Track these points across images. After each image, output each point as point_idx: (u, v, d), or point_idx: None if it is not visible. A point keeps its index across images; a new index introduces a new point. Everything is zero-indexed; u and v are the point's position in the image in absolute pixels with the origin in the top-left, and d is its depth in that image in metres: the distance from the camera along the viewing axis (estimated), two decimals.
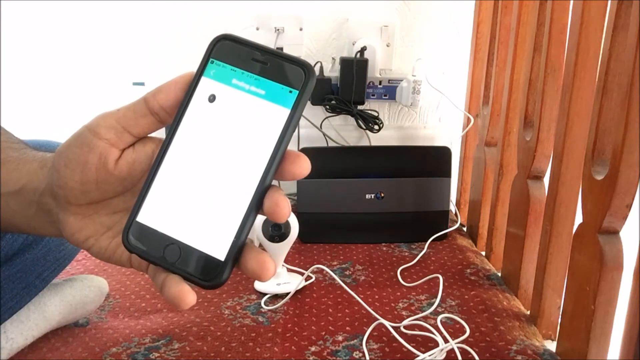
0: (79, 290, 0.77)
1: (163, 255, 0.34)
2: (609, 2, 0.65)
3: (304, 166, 0.34)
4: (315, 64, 1.22)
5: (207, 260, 0.33)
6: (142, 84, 1.24)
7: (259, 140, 0.33)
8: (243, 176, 0.33)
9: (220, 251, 0.33)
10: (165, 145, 0.35)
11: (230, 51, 0.34)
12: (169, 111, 0.35)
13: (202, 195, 0.34)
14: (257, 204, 0.33)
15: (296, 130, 1.28)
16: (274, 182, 0.34)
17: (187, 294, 0.33)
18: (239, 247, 0.33)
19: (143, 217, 0.35)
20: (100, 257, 0.38)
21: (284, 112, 0.33)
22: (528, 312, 0.85)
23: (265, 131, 0.33)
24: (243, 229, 0.33)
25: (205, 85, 0.35)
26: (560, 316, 0.78)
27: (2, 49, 1.24)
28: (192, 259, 0.34)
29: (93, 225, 0.38)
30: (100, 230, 0.38)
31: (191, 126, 0.35)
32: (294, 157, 0.34)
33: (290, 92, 0.33)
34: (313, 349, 0.75)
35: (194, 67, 0.35)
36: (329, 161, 1.08)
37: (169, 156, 0.35)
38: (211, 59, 0.35)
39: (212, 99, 0.34)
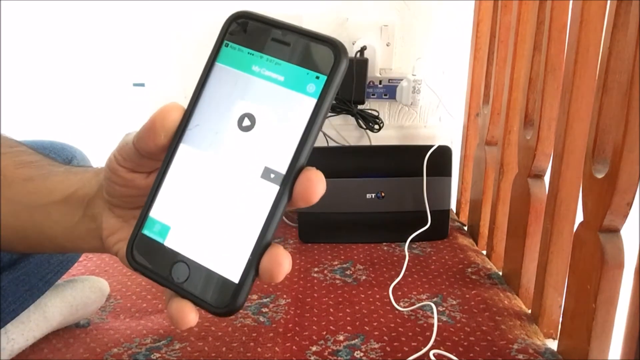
0: (80, 291, 0.77)
1: (170, 274, 0.30)
2: (609, 1, 0.65)
3: (319, 188, 0.29)
4: None
5: (219, 282, 0.29)
6: (142, 84, 1.24)
7: (280, 137, 0.29)
8: (261, 184, 0.29)
9: (234, 272, 0.29)
10: (175, 140, 0.31)
11: (247, 32, 0.30)
12: (160, 156, 0.32)
13: (215, 204, 0.30)
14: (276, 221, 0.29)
15: None
16: None
17: (188, 313, 0.30)
18: (256, 266, 0.29)
19: (149, 229, 0.31)
20: (126, 263, 0.38)
21: (309, 102, 0.28)
22: (529, 311, 0.85)
23: (288, 126, 0.29)
24: (260, 245, 0.28)
25: (219, 73, 0.30)
26: (561, 315, 0.78)
27: (2, 49, 1.24)
28: (202, 280, 0.29)
29: (128, 230, 0.37)
30: None
31: (203, 125, 0.30)
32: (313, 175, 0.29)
33: (317, 77, 0.28)
34: (314, 348, 0.75)
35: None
36: (329, 161, 1.08)
37: (178, 157, 0.31)
38: (225, 42, 0.30)
39: (227, 89, 0.30)
